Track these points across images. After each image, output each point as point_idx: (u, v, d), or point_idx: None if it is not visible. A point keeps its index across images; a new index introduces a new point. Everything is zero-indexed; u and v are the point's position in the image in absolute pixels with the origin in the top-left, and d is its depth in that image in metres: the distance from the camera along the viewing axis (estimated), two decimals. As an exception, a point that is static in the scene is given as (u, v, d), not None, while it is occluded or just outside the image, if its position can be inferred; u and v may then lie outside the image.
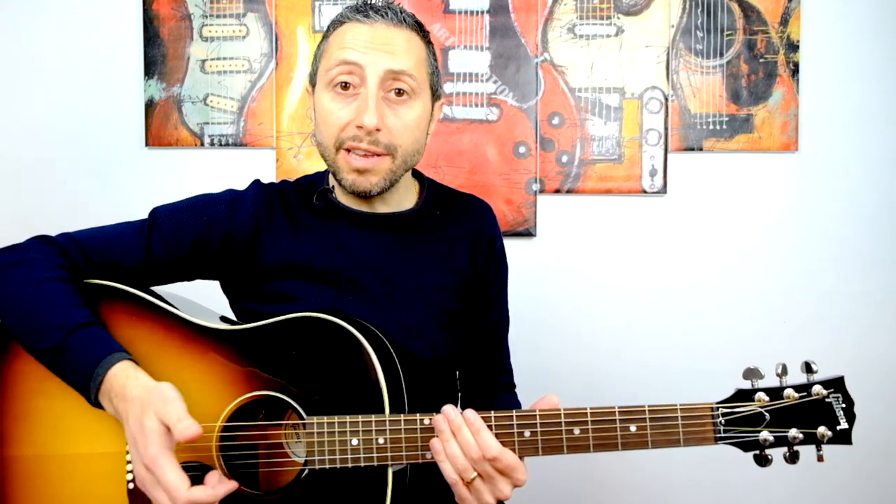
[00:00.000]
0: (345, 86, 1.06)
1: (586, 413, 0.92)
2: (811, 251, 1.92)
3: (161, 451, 0.87)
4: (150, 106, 1.90)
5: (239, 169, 1.91)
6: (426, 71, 1.11)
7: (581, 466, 1.92)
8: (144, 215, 1.14)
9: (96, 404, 0.94)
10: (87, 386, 0.93)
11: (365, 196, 1.10)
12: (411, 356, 1.07)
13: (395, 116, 1.07)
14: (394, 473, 0.95)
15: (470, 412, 0.93)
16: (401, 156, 1.08)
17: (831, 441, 0.90)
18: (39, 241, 1.06)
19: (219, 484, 0.90)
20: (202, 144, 1.91)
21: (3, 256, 1.04)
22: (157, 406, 0.89)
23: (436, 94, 1.16)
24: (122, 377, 0.92)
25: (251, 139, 1.91)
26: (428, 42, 1.13)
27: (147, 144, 1.91)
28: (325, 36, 1.11)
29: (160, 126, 1.90)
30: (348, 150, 1.06)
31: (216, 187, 1.20)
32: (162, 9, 1.89)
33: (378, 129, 1.04)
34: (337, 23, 1.10)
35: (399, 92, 1.06)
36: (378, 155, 1.06)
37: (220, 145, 1.91)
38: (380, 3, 1.09)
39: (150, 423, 0.88)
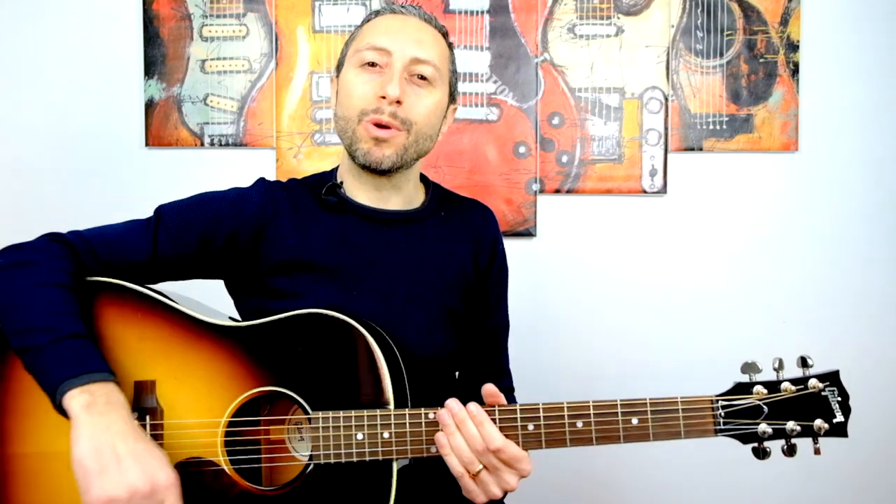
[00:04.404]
0: (372, 64, 1.11)
1: (589, 406, 0.95)
2: (811, 251, 1.92)
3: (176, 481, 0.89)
4: (150, 106, 1.90)
5: (239, 169, 1.91)
6: (448, 68, 1.18)
7: (583, 465, 1.91)
8: (145, 215, 1.14)
9: (59, 407, 0.91)
10: (61, 382, 0.90)
11: (376, 169, 1.12)
12: (414, 353, 1.08)
13: (416, 96, 1.12)
14: (399, 469, 0.96)
15: (473, 405, 0.94)
16: (415, 133, 1.12)
17: (828, 433, 0.92)
18: (49, 240, 1.05)
19: None
20: (202, 144, 1.91)
21: (9, 255, 1.02)
22: (168, 471, 0.89)
23: (452, 96, 1.22)
24: (121, 396, 0.92)
25: (251, 139, 1.91)
26: (450, 45, 1.20)
27: (147, 144, 1.91)
28: (358, 27, 1.19)
29: (160, 126, 1.90)
30: (370, 122, 1.11)
31: (216, 187, 1.20)
32: (162, 9, 1.89)
33: (399, 102, 1.09)
34: (371, 16, 1.18)
35: (422, 77, 1.12)
36: (396, 128, 1.10)
37: (220, 145, 1.91)
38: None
39: (162, 458, 0.89)
